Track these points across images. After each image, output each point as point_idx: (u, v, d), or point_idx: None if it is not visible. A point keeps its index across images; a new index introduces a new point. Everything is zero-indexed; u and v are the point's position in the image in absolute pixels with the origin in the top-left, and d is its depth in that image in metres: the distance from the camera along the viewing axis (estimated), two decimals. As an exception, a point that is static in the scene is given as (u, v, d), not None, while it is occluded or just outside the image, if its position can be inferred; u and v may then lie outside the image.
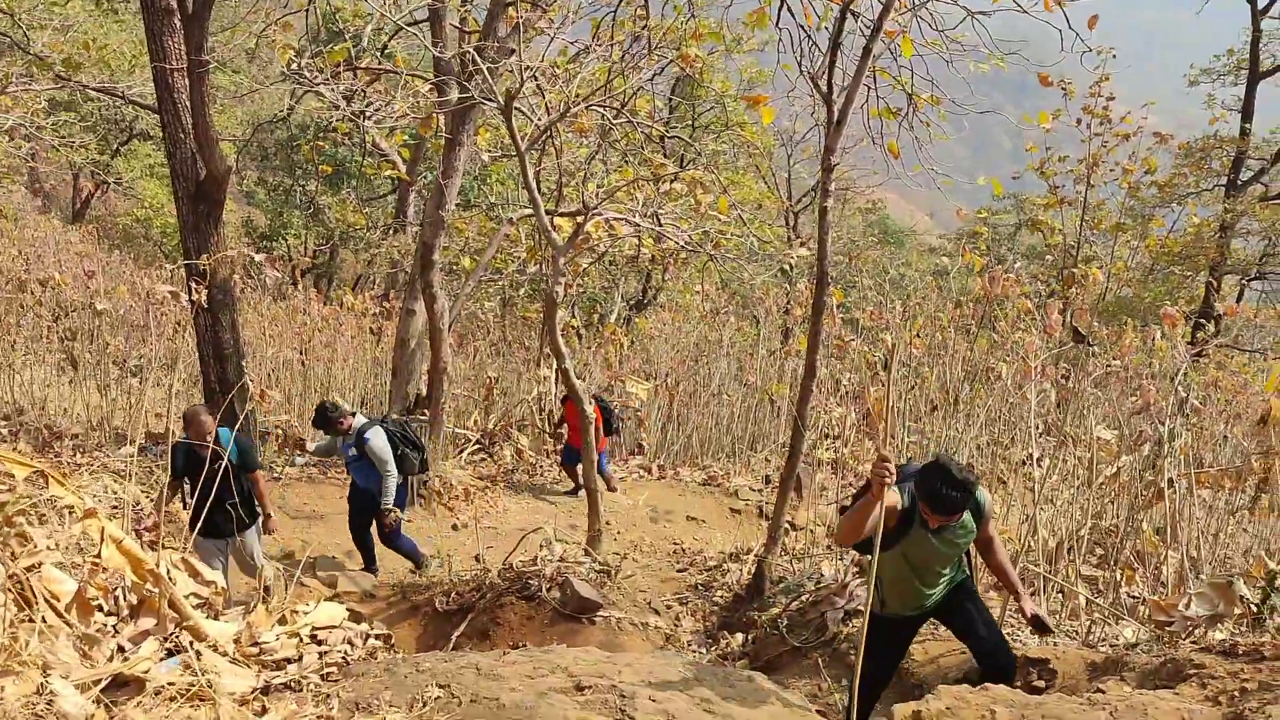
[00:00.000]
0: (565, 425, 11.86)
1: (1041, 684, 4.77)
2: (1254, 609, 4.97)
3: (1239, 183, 20.55)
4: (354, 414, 8.46)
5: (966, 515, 4.58)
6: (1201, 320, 16.45)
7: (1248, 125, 20.44)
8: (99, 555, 4.18)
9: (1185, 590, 5.82)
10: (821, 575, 7.29)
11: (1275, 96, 20.99)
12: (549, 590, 7.17)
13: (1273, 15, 20.27)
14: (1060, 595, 6.60)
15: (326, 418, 8.36)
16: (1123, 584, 6.51)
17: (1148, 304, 19.14)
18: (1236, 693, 3.85)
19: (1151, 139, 17.32)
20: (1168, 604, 5.35)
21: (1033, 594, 6.32)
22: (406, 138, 14.25)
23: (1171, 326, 8.49)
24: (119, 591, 4.03)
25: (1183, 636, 5.08)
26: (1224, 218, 19.79)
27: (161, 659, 3.78)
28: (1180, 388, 6.87)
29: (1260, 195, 20.64)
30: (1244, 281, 21.83)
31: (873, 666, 4.84)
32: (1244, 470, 7.18)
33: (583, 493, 11.19)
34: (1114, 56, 14.72)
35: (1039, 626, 4.67)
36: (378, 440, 8.23)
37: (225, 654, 4.11)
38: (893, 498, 4.49)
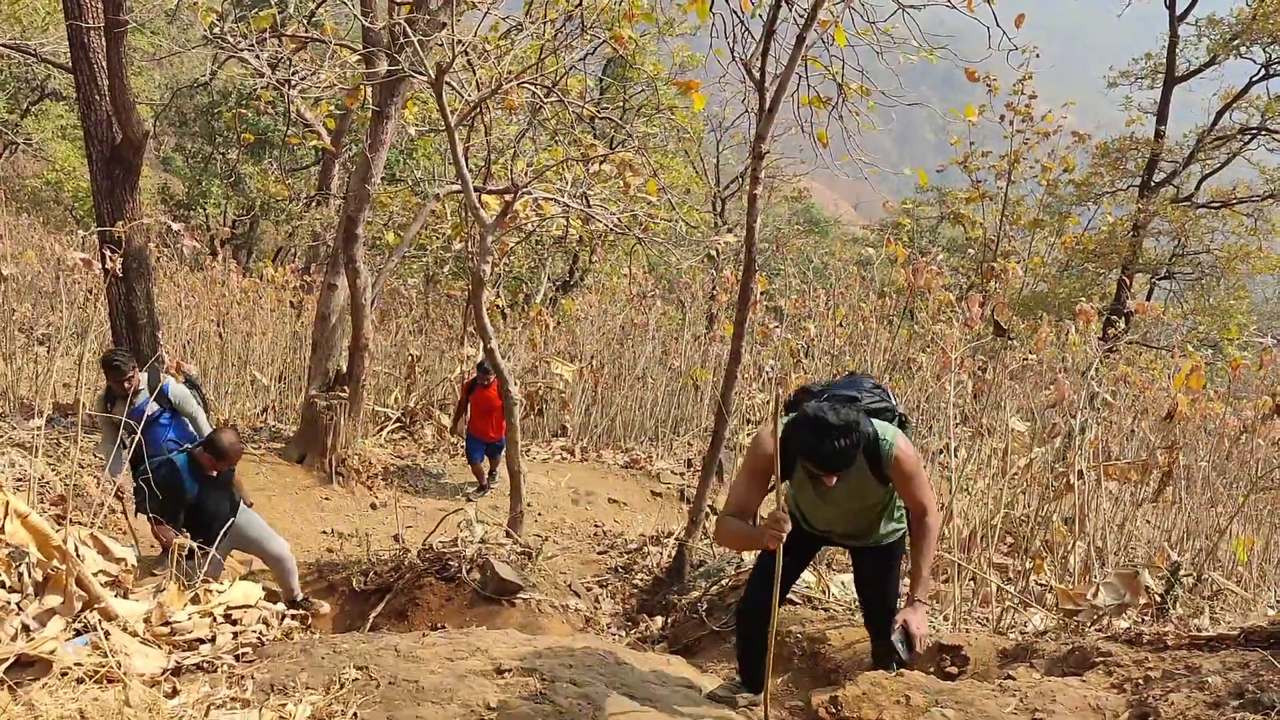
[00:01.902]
0: (468, 413, 11.22)
1: (954, 670, 4.86)
2: (1158, 599, 5.13)
3: (1152, 184, 21.15)
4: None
5: (862, 464, 3.96)
6: (1113, 317, 16.94)
7: (1162, 128, 21.05)
8: (2, 530, 4.04)
9: (1092, 579, 5.98)
10: (741, 560, 7.35)
11: (1189, 101, 21.63)
12: (469, 571, 7.12)
13: (1189, 21, 20.86)
14: (973, 583, 6.74)
15: (118, 368, 6.95)
16: (1032, 573, 6.67)
17: (1063, 299, 19.62)
18: (1141, 680, 3.96)
19: (1070, 138, 17.76)
20: (1075, 593, 5.50)
21: (933, 597, 5.96)
22: (332, 108, 13.99)
23: (1085, 322, 8.71)
24: (23, 568, 3.90)
25: (1089, 625, 5.22)
26: (1137, 217, 20.37)
27: (69, 639, 3.67)
28: (1092, 382, 7.06)
29: (1172, 197, 21.28)
30: (1154, 280, 22.50)
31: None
32: (1149, 463, 7.41)
33: (492, 488, 11.12)
34: (1038, 55, 15.02)
35: (902, 637, 3.99)
36: (179, 389, 7.23)
37: (135, 634, 4.01)
38: (767, 442, 3.93)
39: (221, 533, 5.87)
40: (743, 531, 4.02)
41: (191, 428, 7.24)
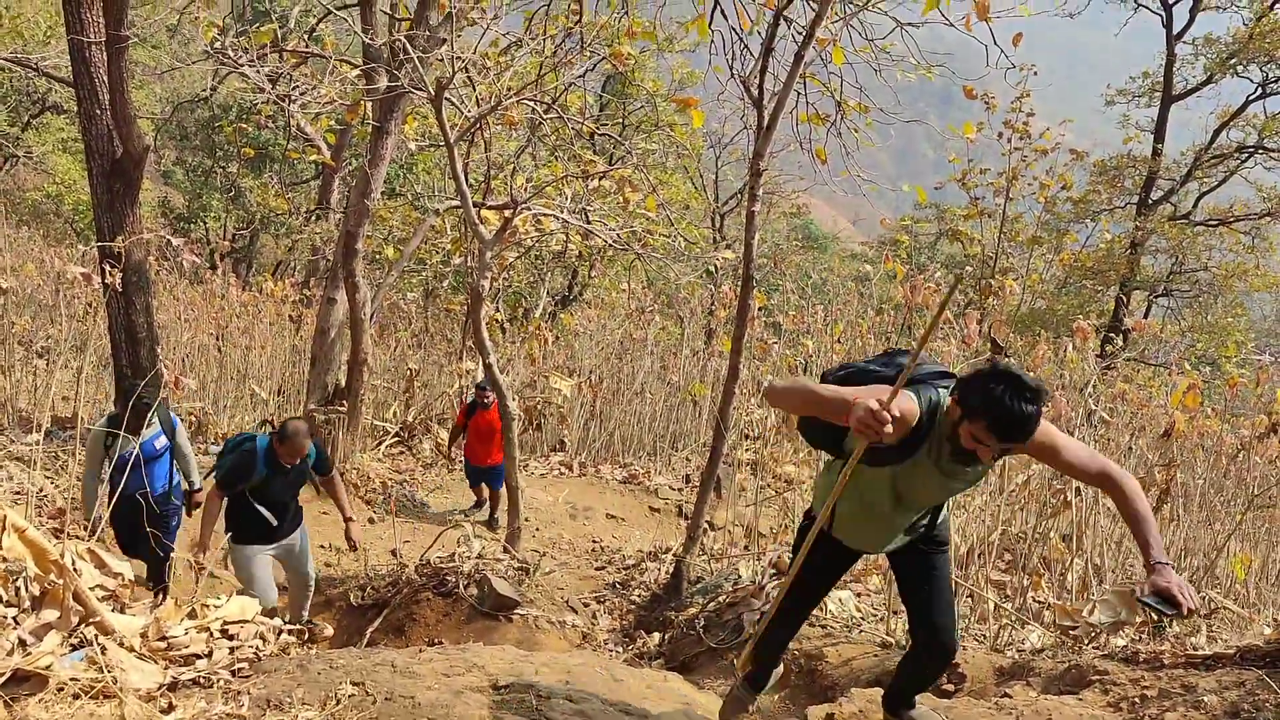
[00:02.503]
0: (464, 437, 10.91)
1: (951, 687, 4.86)
2: (1154, 618, 5.13)
3: (1150, 201, 21.23)
4: None
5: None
6: (1111, 334, 16.96)
7: (1160, 146, 21.14)
8: None
9: (1089, 596, 5.98)
10: (739, 576, 7.35)
11: (1187, 119, 21.72)
12: (466, 587, 7.12)
13: (1186, 40, 20.96)
14: (970, 600, 6.74)
15: (144, 405, 6.73)
16: (1030, 589, 6.67)
17: (1061, 316, 19.65)
18: (1137, 699, 3.97)
19: (1068, 156, 17.80)
20: (1073, 610, 5.50)
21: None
22: (332, 123, 14.03)
23: (1083, 340, 8.72)
24: (20, 582, 3.90)
25: (1086, 642, 5.22)
26: (1135, 235, 20.43)
27: (65, 654, 3.67)
28: (1089, 400, 7.07)
29: (1169, 214, 21.35)
30: (1152, 297, 22.55)
31: (806, 576, 3.88)
32: (1147, 481, 7.41)
33: (488, 510, 10.96)
34: (1035, 73, 15.07)
35: (1158, 601, 3.09)
36: (182, 426, 7.27)
37: (132, 649, 4.00)
38: (908, 407, 3.31)
39: (279, 525, 6.30)
40: (826, 394, 3.33)
41: (179, 468, 7.13)
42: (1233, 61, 20.33)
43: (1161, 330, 16.99)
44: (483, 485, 10.90)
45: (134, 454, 6.43)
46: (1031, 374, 3.14)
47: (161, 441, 6.90)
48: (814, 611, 6.24)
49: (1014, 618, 6.17)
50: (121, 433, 6.41)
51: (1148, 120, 22.20)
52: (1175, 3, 20.85)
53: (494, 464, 10.37)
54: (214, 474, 6.46)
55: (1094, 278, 21.10)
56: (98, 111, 9.49)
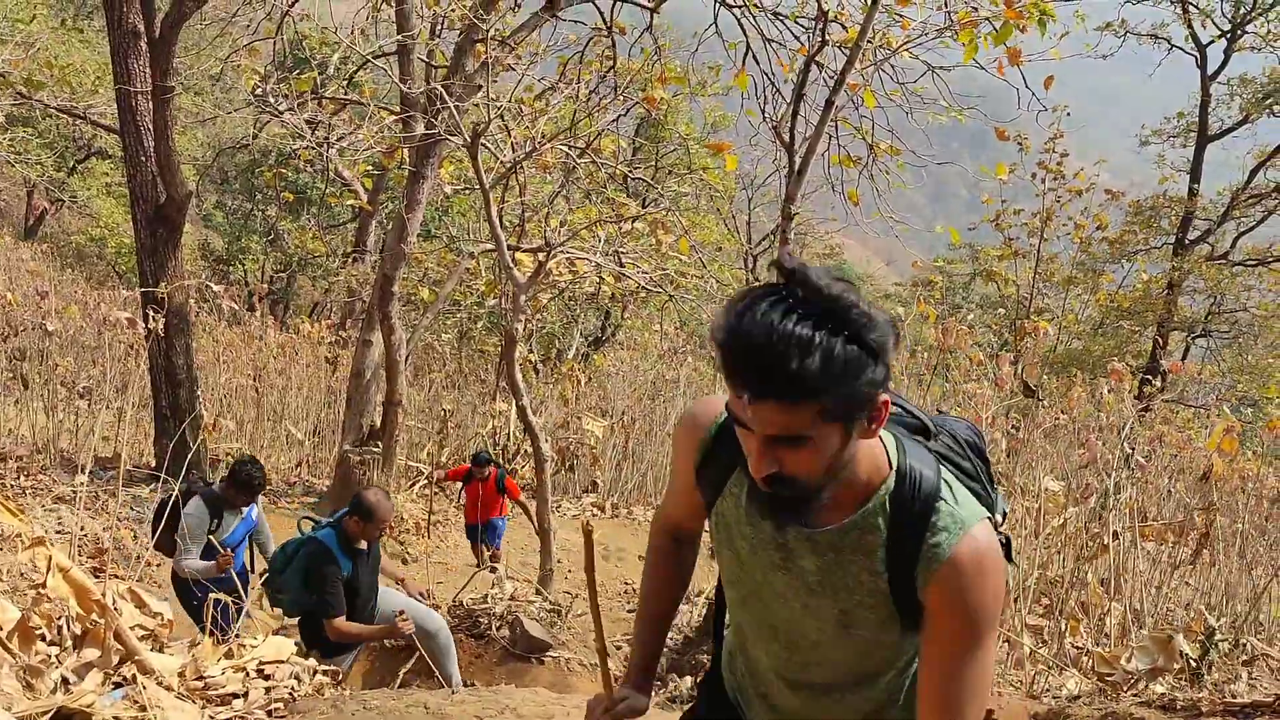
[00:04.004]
0: (463, 496, 10.42)
1: (986, 734, 4.80)
2: (1192, 664, 5.06)
3: (1186, 241, 21.06)
4: None
5: (879, 523, 1.74)
6: (1148, 376, 16.79)
7: (1196, 186, 21.00)
8: (44, 584, 4.12)
9: (1128, 643, 5.91)
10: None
11: (1223, 159, 21.60)
12: (498, 629, 7.13)
13: (1220, 80, 20.89)
14: (1006, 645, 6.67)
15: (256, 484, 6.07)
16: (1067, 634, 6.59)
17: (1097, 358, 19.49)
18: (1175, 747, 3.92)
19: (1103, 195, 17.76)
20: (1110, 656, 5.43)
21: None
22: (369, 167, 14.26)
23: (1118, 381, 8.66)
24: (63, 621, 3.97)
25: (1124, 689, 5.15)
26: (1171, 275, 20.26)
27: (106, 692, 3.73)
28: (1126, 443, 7.01)
29: (1206, 255, 21.17)
30: (1190, 338, 22.31)
31: None
32: (1186, 524, 7.33)
33: (495, 570, 10.63)
34: (1068, 114, 15.08)
35: None
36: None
37: (170, 688, 4.05)
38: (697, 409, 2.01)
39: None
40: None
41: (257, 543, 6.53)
42: (1269, 101, 20.22)
43: (1200, 371, 16.81)
44: (483, 545, 10.13)
45: (244, 539, 6.10)
46: (837, 276, 1.57)
47: (254, 514, 6.37)
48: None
49: (1050, 663, 6.11)
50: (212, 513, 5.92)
51: (1184, 160, 22.09)
52: (1209, 43, 20.80)
53: (491, 518, 9.94)
54: (312, 607, 5.36)
55: (1131, 318, 20.92)
56: (143, 159, 9.73)
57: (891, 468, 1.77)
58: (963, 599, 1.71)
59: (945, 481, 1.77)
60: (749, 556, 1.91)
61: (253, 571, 6.51)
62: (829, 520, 1.76)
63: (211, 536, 5.90)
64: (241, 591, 5.52)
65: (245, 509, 6.19)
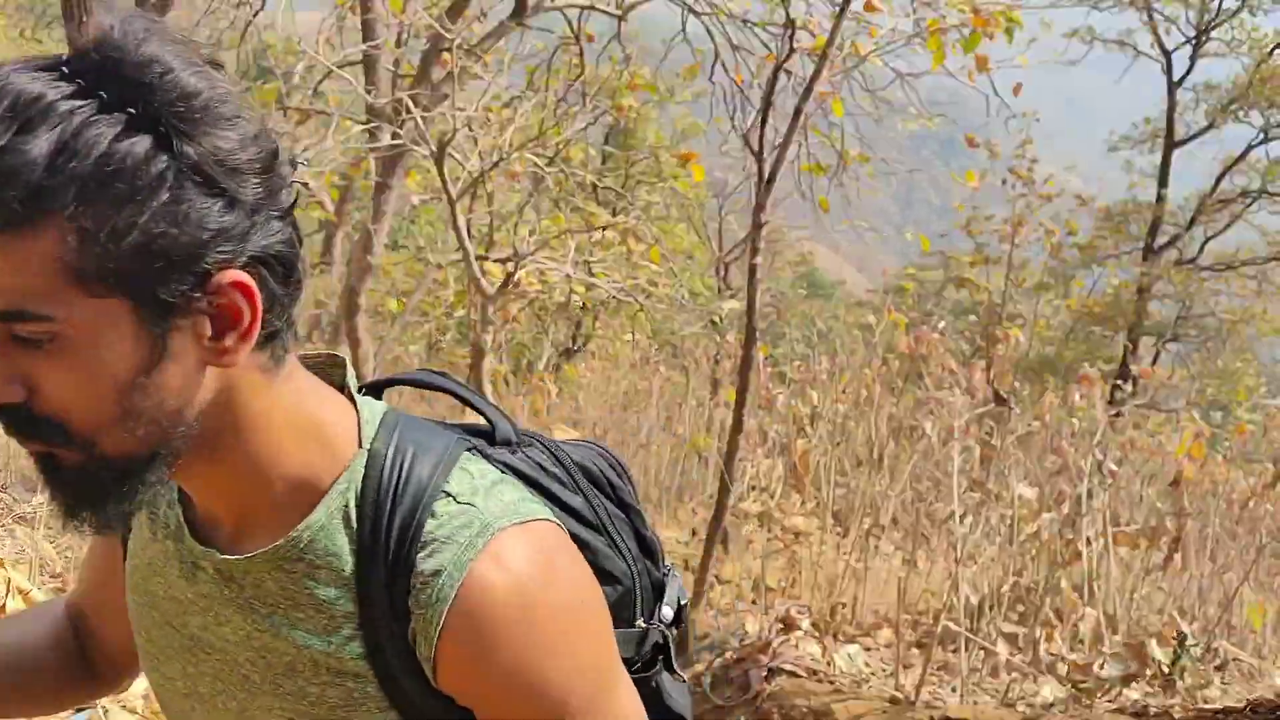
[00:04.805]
0: None
1: (961, 745, 4.76)
2: (1165, 670, 5.04)
3: (1155, 247, 21.23)
4: None
5: (339, 544, 0.92)
6: (1119, 382, 16.90)
7: (1164, 191, 21.19)
8: (3, 607, 4.01)
9: (1101, 649, 5.88)
10: (746, 632, 7.24)
11: (1191, 164, 21.83)
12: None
13: (1186, 87, 21.11)
14: (981, 653, 6.63)
15: None
16: (1042, 641, 6.56)
17: (1069, 363, 19.60)
18: (1150, 757, 3.88)
19: (1073, 201, 17.87)
20: (1085, 664, 5.41)
21: (941, 667, 6.22)
22: (336, 178, 14.14)
23: (1089, 387, 8.68)
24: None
25: (1099, 696, 5.13)
26: (1141, 281, 20.41)
27: (69, 716, 3.62)
28: (1097, 451, 7.01)
29: (1175, 260, 21.35)
30: (1161, 343, 22.48)
31: None
32: (1158, 530, 7.33)
33: None
34: (1038, 120, 15.15)
35: None
36: None
37: (135, 711, 3.95)
38: None
39: None
40: None
41: None
42: (1234, 107, 20.44)
43: (1171, 376, 16.92)
44: None
45: None
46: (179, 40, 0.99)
47: None
48: (822, 668, 6.16)
49: (1025, 671, 6.07)
50: None
51: (1151, 166, 22.30)
52: (1175, 50, 21.01)
53: None
54: None
55: (1102, 324, 21.06)
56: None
57: (362, 449, 0.98)
58: (508, 661, 0.91)
59: (464, 469, 0.98)
60: (149, 628, 1.09)
61: None
62: (245, 540, 0.97)
63: None
64: None
65: None
